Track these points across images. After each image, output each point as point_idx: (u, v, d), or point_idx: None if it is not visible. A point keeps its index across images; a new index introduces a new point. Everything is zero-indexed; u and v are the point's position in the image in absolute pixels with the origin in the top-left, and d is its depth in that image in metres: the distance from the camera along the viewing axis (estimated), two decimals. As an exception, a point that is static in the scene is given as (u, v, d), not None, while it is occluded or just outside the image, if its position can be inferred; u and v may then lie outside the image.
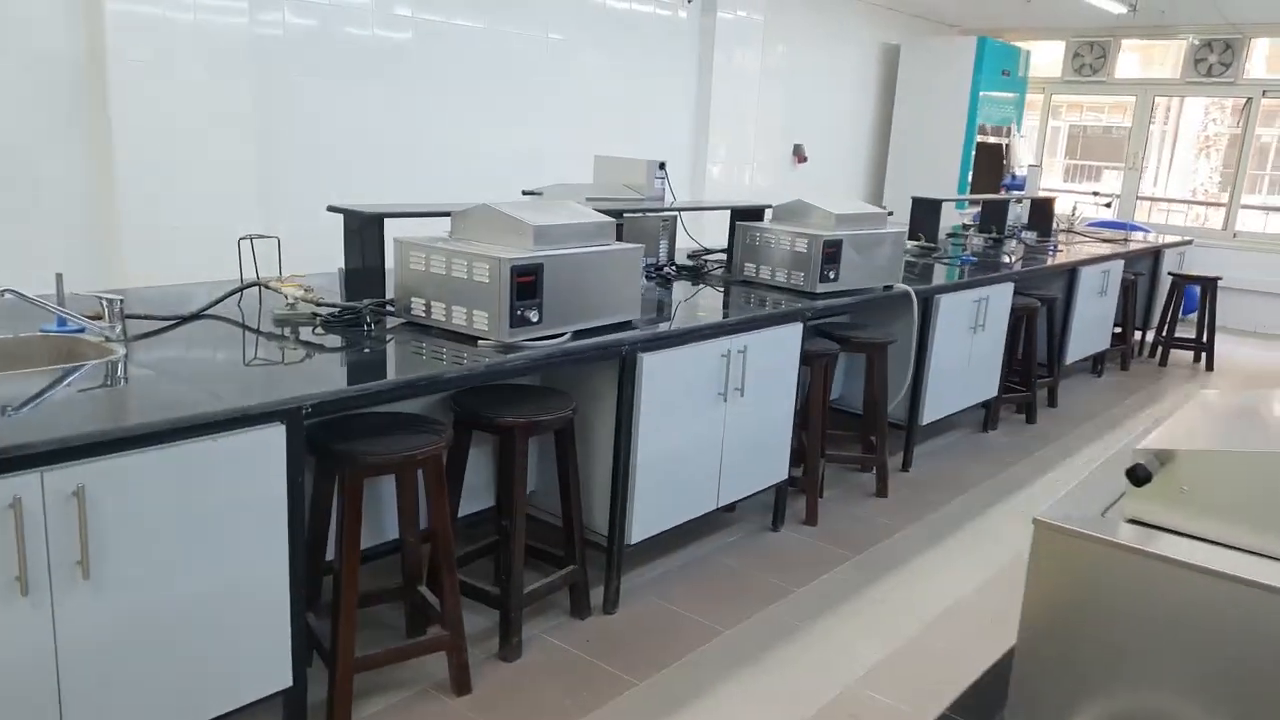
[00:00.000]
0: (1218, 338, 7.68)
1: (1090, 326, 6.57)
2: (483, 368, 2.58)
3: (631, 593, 3.35)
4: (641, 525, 3.21)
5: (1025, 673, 1.41)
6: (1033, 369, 5.85)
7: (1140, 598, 1.30)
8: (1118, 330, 7.24)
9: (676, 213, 4.38)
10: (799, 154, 8.69)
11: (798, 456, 3.99)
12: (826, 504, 4.22)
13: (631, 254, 3.08)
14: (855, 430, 4.72)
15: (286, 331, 2.79)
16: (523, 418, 2.86)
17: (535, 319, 2.78)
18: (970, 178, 9.07)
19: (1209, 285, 7.42)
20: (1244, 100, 9.33)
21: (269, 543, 2.18)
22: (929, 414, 4.80)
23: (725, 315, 3.49)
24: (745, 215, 4.37)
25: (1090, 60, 9.92)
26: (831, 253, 3.88)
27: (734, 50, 7.57)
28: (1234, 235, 9.42)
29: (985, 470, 4.97)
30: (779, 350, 3.62)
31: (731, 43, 7.53)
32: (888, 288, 4.26)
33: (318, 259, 3.49)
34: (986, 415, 5.62)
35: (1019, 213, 7.28)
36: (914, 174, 9.10)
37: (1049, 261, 6.04)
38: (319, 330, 2.82)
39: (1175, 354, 7.84)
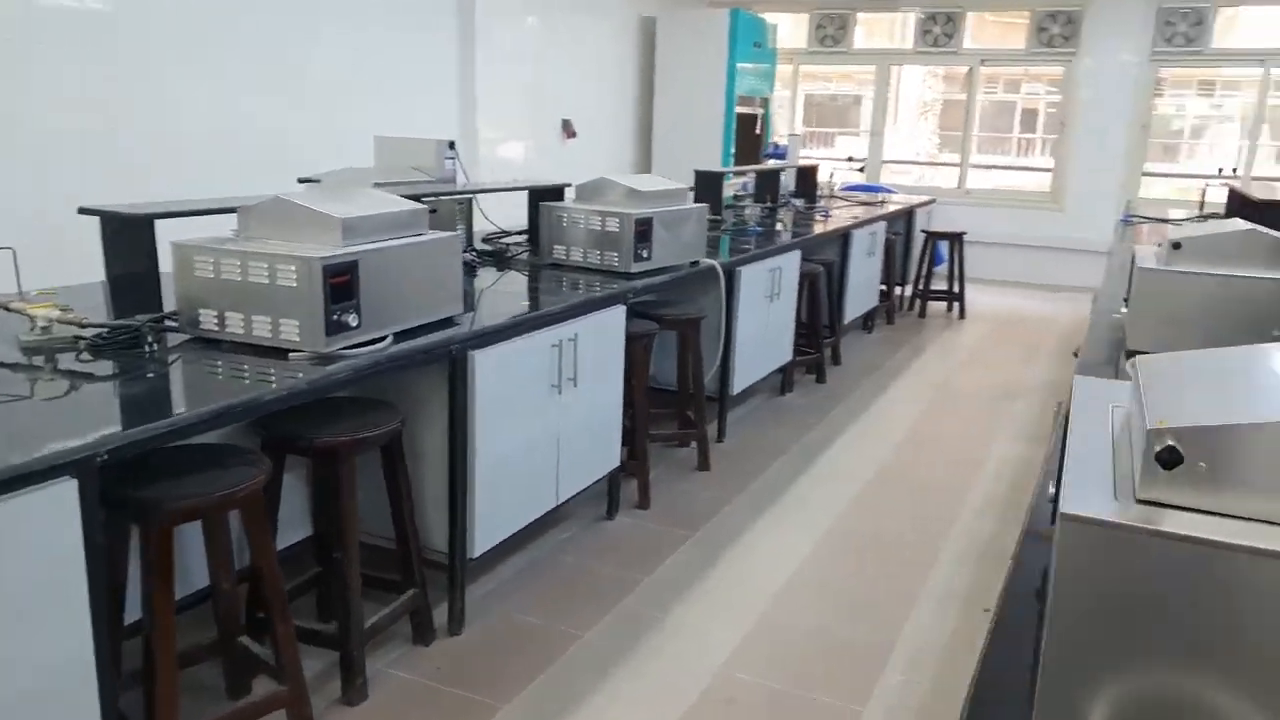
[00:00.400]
0: (966, 287, 8.33)
1: (862, 286, 6.92)
2: (305, 384, 2.26)
3: (475, 608, 3.11)
4: (484, 535, 2.97)
5: (1055, 671, 1.35)
6: (819, 331, 6.08)
7: (1177, 581, 1.27)
8: (883, 288, 7.69)
9: (473, 195, 4.12)
10: (568, 129, 8.54)
11: (623, 440, 3.88)
12: (654, 483, 4.13)
13: (450, 244, 2.82)
14: (670, 407, 4.68)
15: (41, 361, 2.33)
16: (345, 435, 2.55)
17: (354, 323, 2.48)
18: (733, 149, 9.29)
19: (957, 240, 8.02)
20: (966, 69, 10.15)
21: (67, 619, 1.77)
22: (738, 384, 4.84)
23: (545, 303, 3.30)
24: (546, 195, 4.18)
25: (832, 31, 10.43)
26: (643, 231, 3.77)
27: (495, 22, 7.30)
28: (967, 193, 10.27)
29: (791, 434, 5.08)
30: (606, 334, 3.47)
31: (492, 14, 7.25)
32: (694, 263, 4.22)
33: (65, 272, 2.96)
34: (783, 379, 5.77)
35: (785, 181, 7.52)
36: (680, 146, 9.20)
37: (820, 227, 6.27)
38: (85, 356, 2.37)
39: (931, 305, 8.45)
